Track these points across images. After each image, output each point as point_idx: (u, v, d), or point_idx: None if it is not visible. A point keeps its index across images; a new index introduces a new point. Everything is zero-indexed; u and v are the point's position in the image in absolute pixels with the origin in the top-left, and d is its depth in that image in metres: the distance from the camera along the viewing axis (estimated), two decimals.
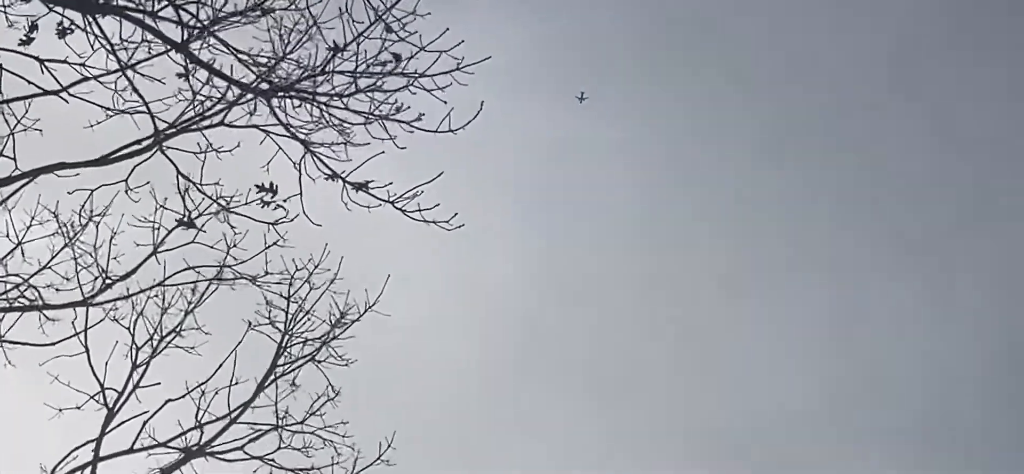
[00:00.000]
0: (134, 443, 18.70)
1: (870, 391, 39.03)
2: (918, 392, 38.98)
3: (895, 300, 38.60)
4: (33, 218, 17.56)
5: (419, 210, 15.33)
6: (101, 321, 18.59)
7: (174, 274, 18.54)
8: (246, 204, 15.91)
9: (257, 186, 15.93)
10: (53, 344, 18.18)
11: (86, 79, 14.78)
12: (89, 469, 18.29)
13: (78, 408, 18.75)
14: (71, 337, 18.35)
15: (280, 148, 15.38)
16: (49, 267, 17.83)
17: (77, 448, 18.38)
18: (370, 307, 19.45)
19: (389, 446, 19.10)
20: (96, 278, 18.01)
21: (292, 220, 15.72)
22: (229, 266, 18.43)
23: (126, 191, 15.63)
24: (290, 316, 19.46)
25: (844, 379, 39.19)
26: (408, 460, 19.14)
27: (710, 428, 38.44)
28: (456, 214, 15.50)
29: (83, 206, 17.27)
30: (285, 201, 15.88)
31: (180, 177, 15.59)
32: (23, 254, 17.59)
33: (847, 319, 39.13)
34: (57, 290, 17.86)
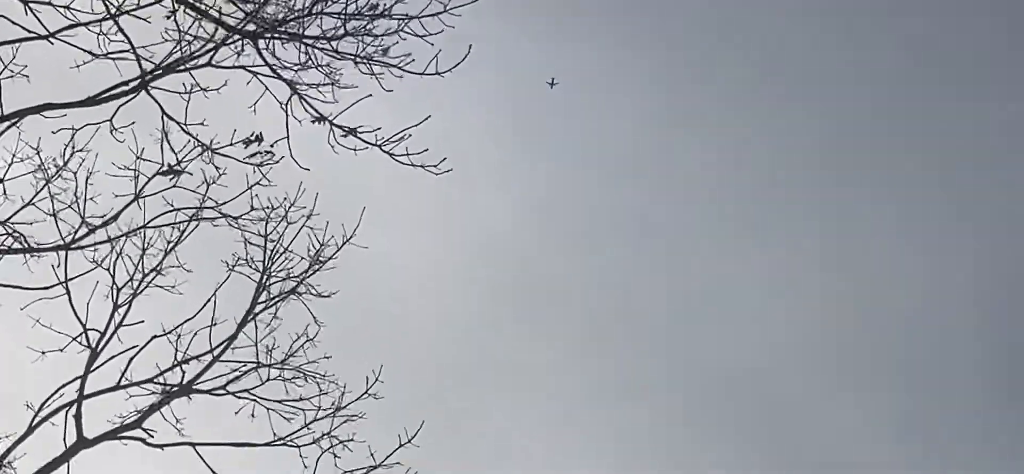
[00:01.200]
0: (118, 381, 18.82)
1: (862, 327, 39.54)
2: (909, 327, 39.53)
3: (886, 236, 39.05)
4: (14, 156, 17.59)
5: (407, 154, 15.44)
6: (86, 272, 18.68)
7: (155, 218, 18.67)
8: (231, 144, 15.99)
9: (244, 140, 16.03)
10: (36, 288, 18.26)
11: (75, 25, 14.76)
12: (74, 407, 18.40)
13: (61, 350, 18.86)
14: (55, 285, 18.44)
15: (267, 89, 15.43)
16: (32, 204, 17.88)
17: (62, 387, 18.52)
18: (347, 240, 19.57)
19: (376, 379, 19.28)
20: (79, 227, 18.11)
21: (278, 161, 15.81)
22: (209, 207, 18.57)
23: (111, 131, 15.65)
24: (268, 254, 19.57)
25: (836, 316, 39.67)
26: (396, 398, 19.32)
27: (704, 367, 38.87)
28: (445, 159, 15.63)
29: (67, 145, 17.30)
30: (272, 145, 15.97)
31: (165, 117, 15.60)
32: (4, 192, 17.61)
33: (839, 256, 39.58)
34: (36, 240, 17.93)
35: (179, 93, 15.59)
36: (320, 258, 19.73)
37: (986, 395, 38.91)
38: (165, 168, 17.02)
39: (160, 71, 15.54)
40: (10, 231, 17.55)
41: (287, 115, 15.48)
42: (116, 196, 18.28)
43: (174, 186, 18.02)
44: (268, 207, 19.03)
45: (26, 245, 17.73)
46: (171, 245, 19.17)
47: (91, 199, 18.18)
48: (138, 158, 17.39)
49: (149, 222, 18.61)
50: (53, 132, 16.43)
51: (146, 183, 18.00)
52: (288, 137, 15.60)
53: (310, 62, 15.32)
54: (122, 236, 18.67)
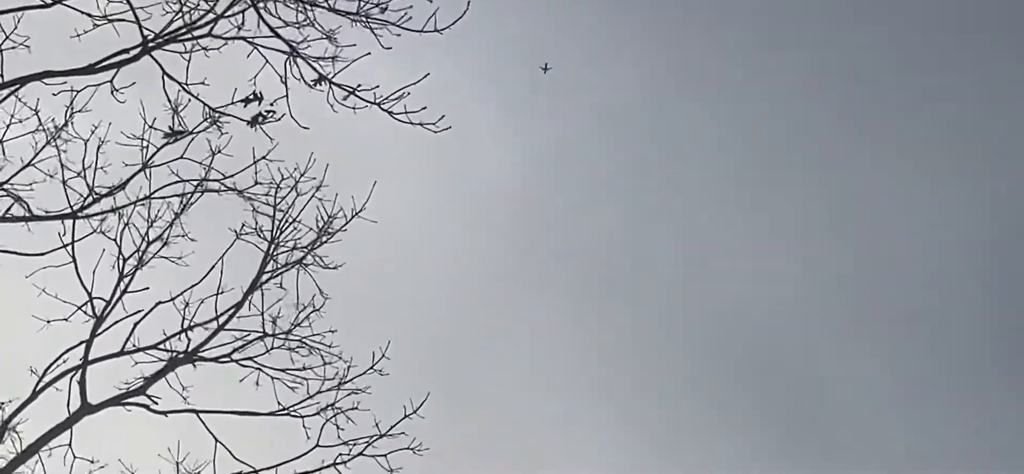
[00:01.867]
0: (123, 347, 18.79)
1: (866, 276, 39.22)
2: (914, 276, 39.19)
3: (891, 185, 38.70)
4: (12, 116, 17.63)
5: (405, 112, 15.42)
6: (89, 235, 18.66)
7: (162, 187, 18.65)
8: (231, 103, 15.97)
9: (244, 99, 16.01)
10: (41, 254, 18.27)
11: None
12: (78, 373, 18.38)
13: (66, 319, 18.84)
14: (59, 249, 18.43)
15: (267, 61, 15.50)
16: (33, 165, 17.85)
17: (67, 351, 18.51)
18: (357, 213, 19.50)
19: (383, 355, 19.20)
20: (86, 196, 18.10)
21: (278, 120, 15.77)
22: (215, 179, 18.60)
23: (111, 92, 15.63)
24: (276, 224, 19.51)
25: (840, 265, 39.36)
26: (399, 364, 19.22)
27: (710, 322, 38.63)
28: (443, 116, 15.60)
29: (68, 108, 17.29)
30: (272, 104, 15.94)
31: (166, 78, 15.60)
32: (4, 153, 17.65)
33: (843, 205, 39.24)
34: (38, 205, 17.96)
35: (180, 53, 15.65)
36: (329, 229, 19.66)
37: (995, 345, 38.57)
38: (169, 130, 17.04)
39: (161, 39, 15.57)
40: (10, 192, 17.58)
41: (286, 76, 15.49)
42: (126, 165, 18.34)
43: (182, 157, 18.12)
44: (278, 177, 19.06)
45: (29, 212, 17.75)
46: (178, 213, 19.09)
47: (102, 168, 18.23)
48: (149, 127, 17.50)
49: (155, 191, 18.61)
50: (53, 95, 16.52)
51: (155, 153, 18.06)
52: (287, 96, 15.60)
53: (309, 21, 15.30)
54: (129, 205, 18.65)
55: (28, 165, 18.03)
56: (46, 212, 17.91)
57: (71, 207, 18.16)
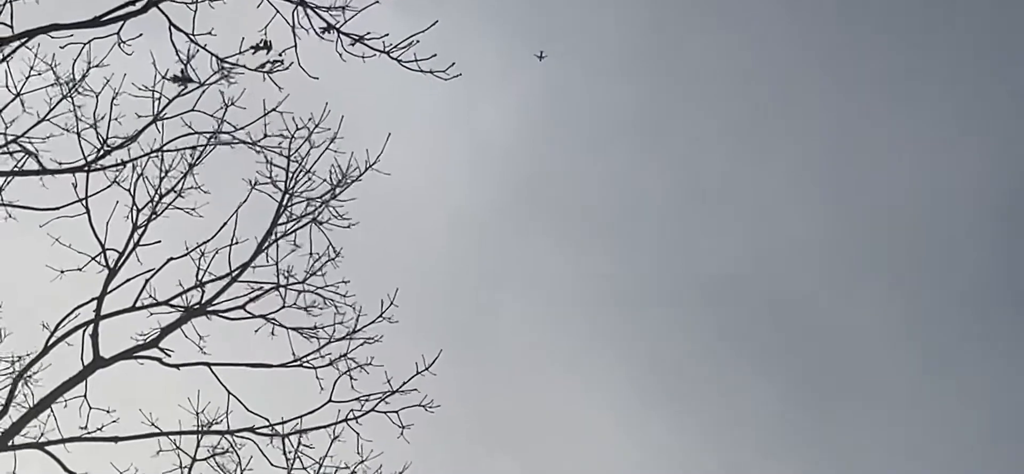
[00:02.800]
0: (136, 301, 18.75)
1: (870, 225, 38.95)
2: (918, 224, 38.89)
3: (896, 131, 38.36)
4: (32, 69, 17.57)
5: (415, 60, 15.30)
6: (104, 189, 18.61)
7: (174, 139, 18.59)
8: (240, 53, 15.86)
9: (252, 47, 15.90)
10: (54, 208, 18.25)
11: None
12: (91, 327, 18.36)
13: (80, 269, 18.80)
14: (73, 203, 18.40)
15: (277, 11, 15.35)
16: (48, 119, 17.82)
17: (79, 306, 18.47)
18: (371, 166, 19.35)
19: (391, 304, 19.12)
20: (99, 149, 18.06)
21: (287, 69, 15.64)
22: (227, 132, 18.52)
23: (119, 44, 15.52)
24: (290, 176, 19.38)
25: (844, 213, 39.09)
26: (408, 313, 19.15)
27: (713, 267, 38.44)
28: (453, 63, 15.46)
29: (76, 60, 17.24)
30: (281, 54, 15.83)
31: (174, 29, 15.48)
32: (23, 105, 17.63)
33: (847, 152, 38.90)
34: (51, 157, 17.93)
35: (186, 3, 15.50)
36: (344, 181, 19.53)
37: (997, 295, 38.30)
38: (179, 75, 16.95)
39: None
40: (24, 146, 17.56)
41: (294, 25, 15.36)
42: (138, 116, 18.29)
43: (193, 109, 18.06)
44: (291, 128, 18.96)
45: (41, 165, 17.73)
46: (191, 165, 18.99)
47: (116, 119, 18.18)
48: (161, 77, 17.42)
49: (167, 144, 18.53)
50: (61, 47, 16.46)
51: (166, 105, 17.99)
52: (296, 46, 15.48)
53: None
54: (142, 156, 18.57)
55: (43, 120, 18.01)
56: (60, 163, 17.89)
57: (85, 158, 18.14)
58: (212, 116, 18.26)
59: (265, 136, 18.74)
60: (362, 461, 18.50)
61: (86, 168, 18.21)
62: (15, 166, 17.89)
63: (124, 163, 18.43)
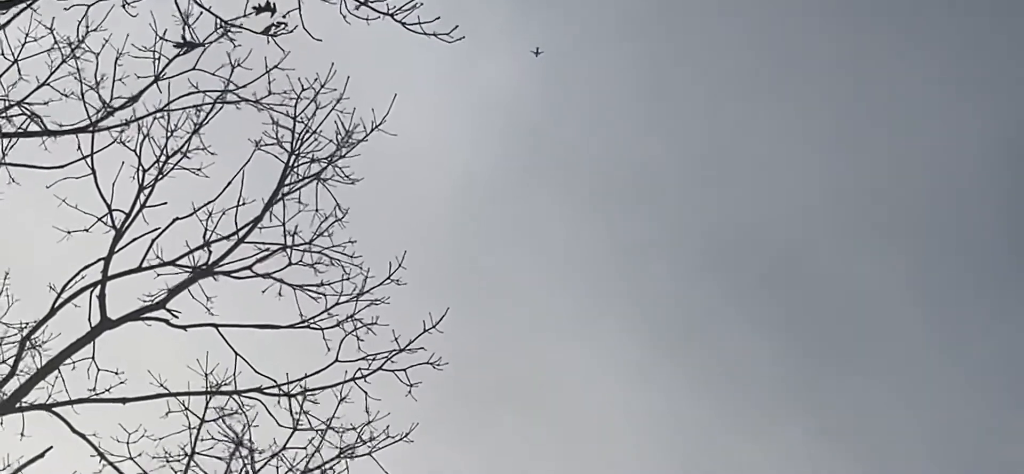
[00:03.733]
0: (142, 262, 18.75)
1: (881, 185, 38.90)
2: (921, 181, 38.84)
3: (898, 88, 38.27)
4: (28, 35, 17.51)
5: (419, 23, 15.26)
6: (107, 146, 18.60)
7: (178, 98, 18.56)
8: (244, 15, 15.81)
9: (255, 7, 15.85)
10: (59, 167, 18.25)
11: None
12: (98, 288, 18.38)
13: (86, 230, 18.80)
14: (77, 161, 18.39)
15: None
16: (48, 84, 17.80)
17: (86, 267, 18.49)
18: (376, 126, 19.37)
19: (399, 266, 19.14)
20: (99, 109, 18.06)
21: (291, 31, 15.59)
22: (231, 91, 18.51)
23: (123, 4, 15.51)
24: (296, 136, 19.37)
25: (855, 173, 39.04)
26: (414, 272, 19.16)
27: (721, 228, 38.44)
28: (457, 26, 15.44)
29: (80, 22, 17.21)
30: (285, 17, 15.78)
31: None
32: (19, 72, 17.58)
33: (858, 112, 38.81)
34: (54, 121, 17.93)
35: None
36: (349, 141, 19.52)
37: (1001, 251, 38.31)
38: (180, 41, 16.94)
39: None
40: (26, 111, 17.55)
41: None
42: (138, 77, 18.30)
43: (195, 68, 18.04)
44: (296, 90, 18.95)
45: (44, 127, 17.73)
46: (197, 126, 18.97)
47: (120, 80, 18.18)
48: (160, 38, 17.39)
49: (171, 103, 18.50)
50: (65, 9, 16.43)
51: (167, 65, 17.95)
52: (300, 8, 15.43)
53: None
54: (146, 116, 18.56)
55: (44, 84, 17.97)
56: (60, 125, 17.88)
57: (90, 118, 18.15)
58: (215, 75, 18.22)
59: (270, 93, 18.71)
60: (369, 422, 18.54)
61: (90, 129, 18.20)
62: (18, 128, 17.87)
63: (128, 123, 18.42)
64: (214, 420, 18.39)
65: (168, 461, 18.14)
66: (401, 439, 18.59)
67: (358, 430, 18.52)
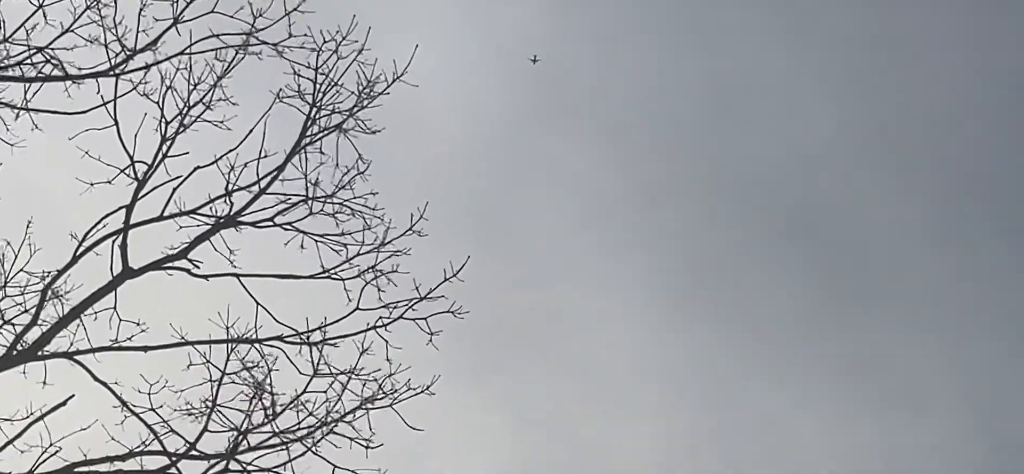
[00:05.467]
0: (163, 211, 18.77)
1: (901, 125, 38.75)
2: (949, 124, 38.66)
3: (927, 30, 38.04)
4: None
5: None
6: (129, 92, 18.62)
7: (198, 41, 18.59)
8: None
9: None
10: (81, 113, 18.27)
11: None
12: (120, 237, 18.42)
13: (109, 182, 18.82)
14: (98, 107, 18.43)
15: None
16: (72, 31, 17.80)
17: (107, 216, 18.51)
18: (398, 77, 19.35)
19: (421, 217, 19.11)
20: (118, 54, 18.08)
21: None
22: (255, 37, 18.54)
23: None
24: (318, 87, 19.34)
25: (874, 114, 38.87)
26: (435, 219, 19.13)
27: (740, 170, 38.38)
28: None
29: None
30: None
31: None
32: (45, 17, 17.61)
33: (877, 52, 38.61)
34: (76, 66, 17.97)
35: None
36: (370, 92, 19.49)
37: None
38: None
39: None
40: (48, 56, 17.58)
41: None
42: (156, 20, 18.34)
43: (213, 10, 18.09)
44: (318, 41, 18.94)
45: (65, 72, 17.77)
46: (219, 76, 18.97)
47: (143, 31, 18.24)
48: None
49: (191, 45, 18.52)
50: None
51: (186, 7, 18.07)
52: None
53: None
54: (166, 59, 18.58)
55: (67, 31, 17.99)
56: (80, 69, 17.91)
57: (111, 63, 18.18)
58: (233, 16, 18.31)
59: (290, 36, 18.70)
60: (391, 374, 18.55)
61: (111, 73, 18.25)
62: (39, 73, 17.92)
63: (148, 67, 18.44)
64: (236, 373, 18.43)
65: (190, 412, 18.21)
66: (423, 391, 18.61)
67: (379, 382, 18.54)
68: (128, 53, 17.97)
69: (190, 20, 18.18)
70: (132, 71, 18.29)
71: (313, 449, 18.11)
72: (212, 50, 18.60)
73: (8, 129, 18.32)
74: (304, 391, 18.32)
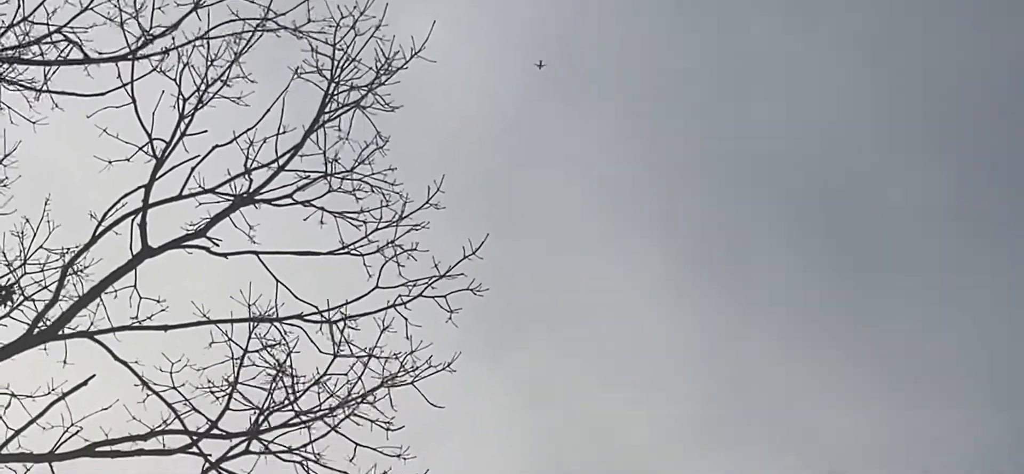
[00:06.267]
0: (182, 189, 18.75)
1: (920, 100, 38.55)
2: (968, 98, 38.45)
3: (945, 3, 37.84)
4: None
5: None
6: (147, 74, 18.58)
7: (218, 25, 18.57)
8: None
9: None
10: (100, 94, 18.25)
11: None
12: (139, 216, 18.40)
13: (128, 160, 18.81)
14: (117, 89, 18.38)
15: None
16: (90, 8, 17.78)
17: (127, 194, 18.51)
18: (416, 53, 19.33)
19: (438, 190, 19.09)
20: (138, 38, 18.07)
21: None
22: (271, 18, 18.53)
23: None
24: (336, 64, 19.30)
25: (894, 88, 38.66)
26: (454, 199, 19.10)
27: (757, 146, 38.20)
28: None
29: None
30: None
31: None
32: None
33: (895, 26, 38.41)
34: (95, 48, 17.96)
35: None
36: (388, 69, 19.45)
37: None
38: None
39: None
40: (68, 36, 17.56)
41: None
42: (177, 4, 18.32)
43: None
44: (337, 15, 18.92)
45: (85, 54, 17.75)
46: (237, 54, 18.93)
47: (159, 8, 18.21)
48: None
49: (210, 30, 18.49)
50: None
51: None
52: None
53: None
54: (186, 44, 18.54)
55: (85, 9, 17.98)
56: (100, 53, 17.89)
57: (129, 47, 18.14)
58: (254, 2, 18.33)
59: (309, 21, 18.71)
60: (412, 351, 18.53)
61: (129, 57, 18.22)
62: (59, 55, 17.90)
63: (167, 50, 18.41)
64: (258, 351, 18.39)
65: (212, 391, 18.18)
66: (444, 368, 18.59)
67: (401, 359, 18.51)
68: (147, 37, 17.91)
69: (209, 5, 18.13)
70: (151, 55, 18.24)
71: (335, 428, 18.10)
72: (231, 34, 18.53)
73: (31, 107, 18.38)
74: (326, 371, 18.28)
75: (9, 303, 18.43)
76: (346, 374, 18.31)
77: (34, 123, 18.47)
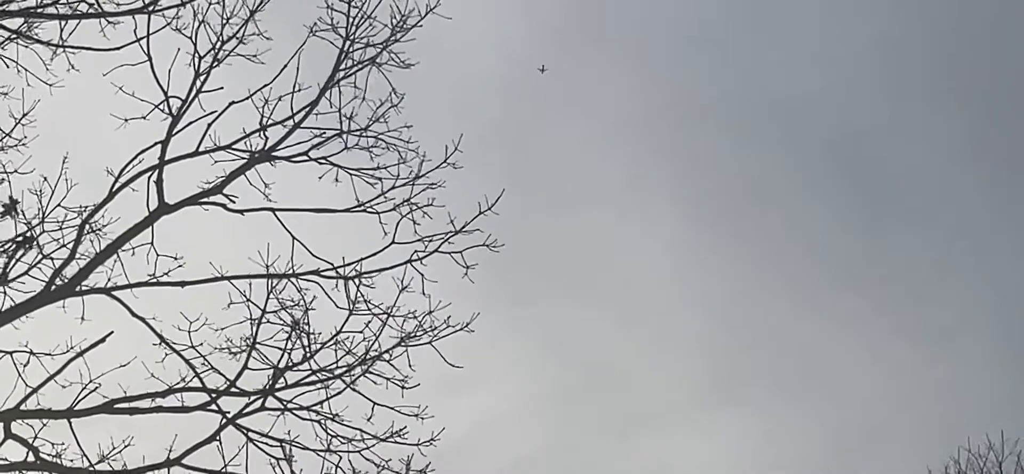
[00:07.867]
0: (198, 146, 18.77)
1: (942, 46, 38.29)
2: (991, 44, 38.17)
3: None
4: None
5: None
6: (162, 28, 18.56)
7: None
8: None
9: None
10: (116, 49, 18.23)
11: None
12: (155, 173, 18.43)
13: (144, 118, 18.84)
14: (132, 43, 18.36)
15: None
16: None
17: (143, 151, 18.53)
18: (431, 9, 19.32)
19: (455, 149, 19.08)
20: None
21: None
22: None
23: None
24: (351, 21, 19.28)
25: (915, 35, 38.38)
26: (470, 154, 19.09)
27: (777, 93, 38.01)
28: None
29: None
30: None
31: None
32: None
33: None
34: (117, 3, 17.93)
35: None
36: (404, 26, 19.44)
37: None
38: None
39: None
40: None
41: None
42: None
43: None
44: None
45: (100, 9, 17.74)
46: (252, 12, 18.92)
47: None
48: None
49: None
50: None
51: None
52: None
53: None
54: None
55: None
56: (117, 5, 17.87)
57: (143, 1, 18.12)
58: None
59: None
60: (430, 312, 18.54)
61: (145, 9, 18.20)
62: (74, 11, 17.89)
63: (183, 3, 18.38)
64: (274, 312, 18.40)
65: (230, 350, 18.24)
66: (462, 328, 18.62)
67: (419, 319, 18.54)
68: None
69: None
70: (166, 8, 18.20)
71: (351, 386, 18.15)
72: None
73: (47, 68, 18.40)
74: (342, 328, 18.31)
75: (34, 247, 18.52)
76: (362, 332, 18.36)
77: (50, 86, 18.54)
